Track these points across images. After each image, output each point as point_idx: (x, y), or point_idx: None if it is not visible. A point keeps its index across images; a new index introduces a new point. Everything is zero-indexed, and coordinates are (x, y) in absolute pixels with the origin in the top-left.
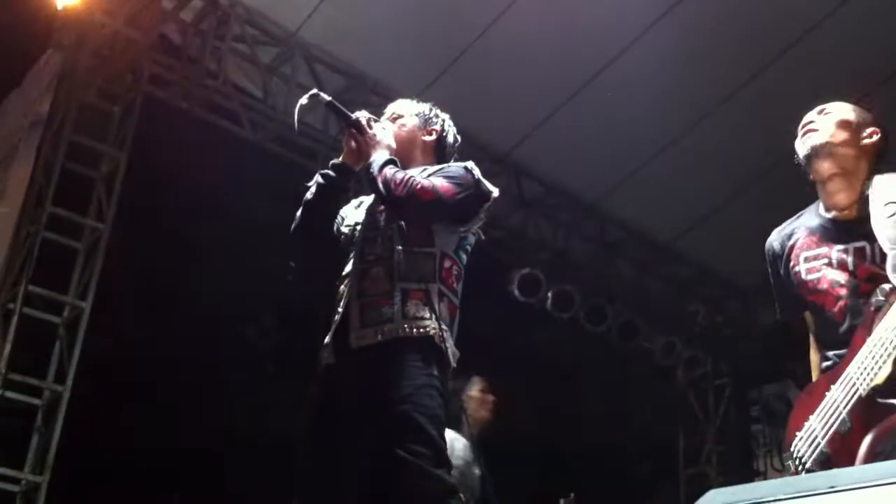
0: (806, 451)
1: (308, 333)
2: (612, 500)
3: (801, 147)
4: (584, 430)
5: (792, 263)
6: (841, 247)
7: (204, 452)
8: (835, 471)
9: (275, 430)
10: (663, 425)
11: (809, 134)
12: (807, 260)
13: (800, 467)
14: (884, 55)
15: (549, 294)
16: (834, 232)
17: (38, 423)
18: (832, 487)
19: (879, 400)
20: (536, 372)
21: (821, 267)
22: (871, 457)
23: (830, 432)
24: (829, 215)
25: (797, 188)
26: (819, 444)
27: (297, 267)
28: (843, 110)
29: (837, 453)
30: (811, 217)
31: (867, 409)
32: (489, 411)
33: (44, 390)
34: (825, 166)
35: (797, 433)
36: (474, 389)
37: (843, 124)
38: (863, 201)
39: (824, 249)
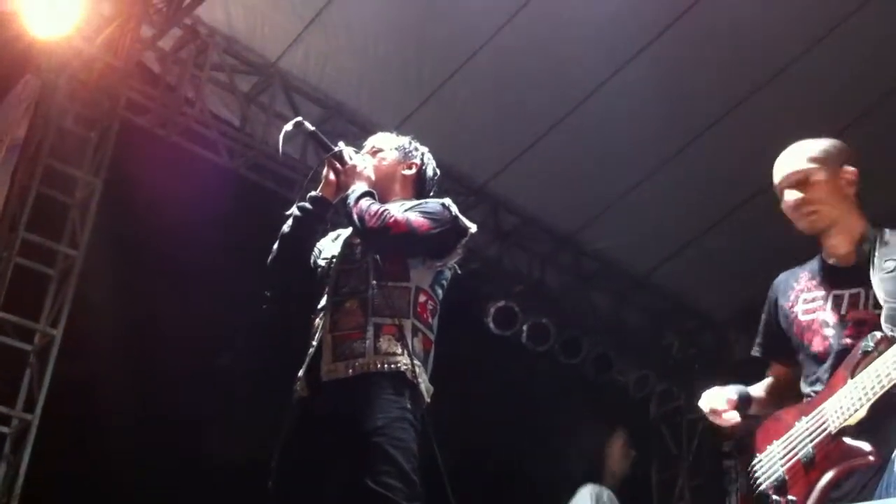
0: (763, 474)
1: (282, 361)
2: None
3: (804, 227)
4: (557, 463)
5: (791, 304)
6: (837, 291)
7: (176, 479)
8: None
9: (247, 456)
10: (638, 459)
11: (811, 218)
12: (805, 301)
13: (753, 488)
14: (859, 90)
15: (525, 327)
16: (832, 276)
17: (6, 452)
18: None
19: (845, 440)
20: (508, 403)
21: (816, 308)
22: (828, 492)
23: (794, 460)
24: (830, 261)
25: (772, 222)
26: (778, 469)
27: (272, 295)
28: (823, 168)
29: (794, 479)
30: (816, 261)
31: (833, 447)
32: (630, 465)
33: (12, 418)
34: (830, 235)
35: (758, 455)
36: (618, 443)
37: (831, 187)
38: (860, 249)
39: (822, 292)
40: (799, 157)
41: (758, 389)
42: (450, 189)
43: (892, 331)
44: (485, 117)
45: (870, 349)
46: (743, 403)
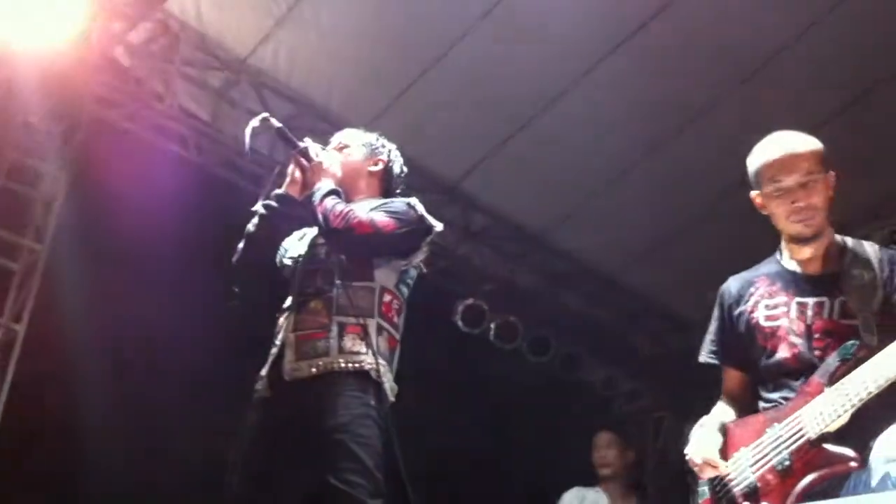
0: (732, 480)
1: (250, 360)
2: None
3: (797, 231)
4: (524, 461)
5: (750, 309)
6: (801, 299)
7: (141, 477)
8: None
9: (214, 456)
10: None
11: (809, 223)
12: (767, 307)
13: (720, 494)
14: (830, 93)
15: (493, 325)
16: (795, 283)
17: None
18: None
19: (826, 446)
20: (475, 401)
21: (780, 315)
22: (805, 496)
23: (766, 467)
24: (791, 266)
25: (743, 225)
26: (748, 475)
27: (239, 293)
28: (824, 171)
29: (767, 486)
30: (772, 265)
31: (813, 453)
32: (627, 465)
33: None
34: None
35: (724, 462)
36: (601, 444)
37: (825, 192)
38: (827, 257)
39: (784, 298)
40: (805, 154)
41: (726, 414)
42: (420, 187)
43: (870, 339)
44: (456, 116)
45: (849, 357)
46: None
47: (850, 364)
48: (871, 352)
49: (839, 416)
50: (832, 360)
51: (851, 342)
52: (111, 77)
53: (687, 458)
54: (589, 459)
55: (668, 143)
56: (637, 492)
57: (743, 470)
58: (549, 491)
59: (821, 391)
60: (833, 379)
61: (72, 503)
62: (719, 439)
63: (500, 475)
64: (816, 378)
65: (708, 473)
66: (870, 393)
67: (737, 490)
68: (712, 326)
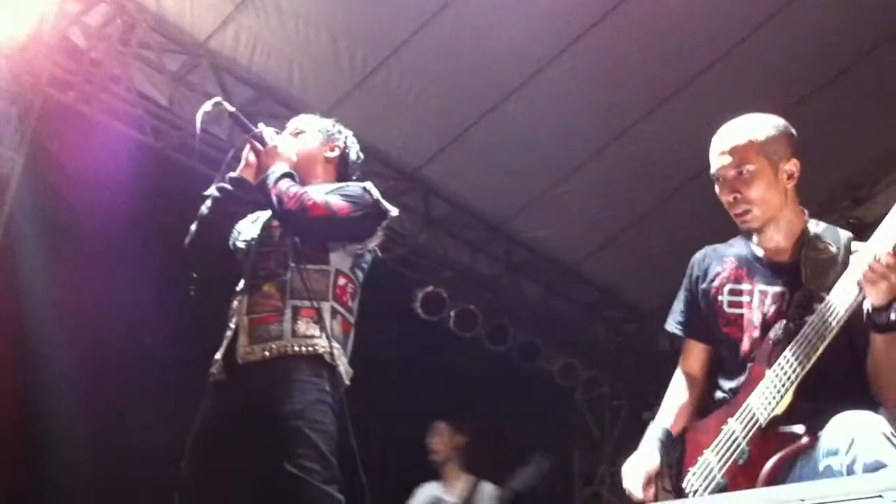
0: (700, 485)
1: (203, 344)
2: None
3: (739, 223)
4: (483, 448)
5: (715, 291)
6: (763, 287)
7: (98, 462)
8: (709, 497)
9: (171, 442)
10: (562, 445)
11: (745, 218)
12: (731, 293)
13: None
14: (792, 82)
15: (452, 313)
16: (761, 270)
17: None
18: None
19: (780, 428)
20: (434, 389)
21: (742, 303)
22: (771, 483)
23: (728, 464)
24: (759, 253)
25: (702, 215)
26: (715, 476)
27: (197, 278)
28: (765, 160)
29: (735, 482)
30: (744, 248)
31: (767, 439)
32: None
33: None
34: (763, 233)
35: (690, 469)
36: (439, 433)
37: (769, 182)
38: (794, 247)
39: (748, 286)
40: (739, 144)
41: (675, 410)
42: (380, 174)
43: (800, 315)
44: (417, 103)
45: (780, 339)
46: (668, 450)
47: (781, 344)
48: (800, 327)
49: (783, 397)
50: (766, 344)
51: (780, 321)
52: (67, 59)
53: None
54: (545, 447)
55: (629, 135)
56: (471, 471)
57: (710, 472)
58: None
59: (763, 377)
60: (771, 361)
61: (15, 484)
62: (653, 461)
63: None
64: (756, 365)
65: (635, 499)
66: (805, 367)
67: (707, 492)
68: (680, 295)
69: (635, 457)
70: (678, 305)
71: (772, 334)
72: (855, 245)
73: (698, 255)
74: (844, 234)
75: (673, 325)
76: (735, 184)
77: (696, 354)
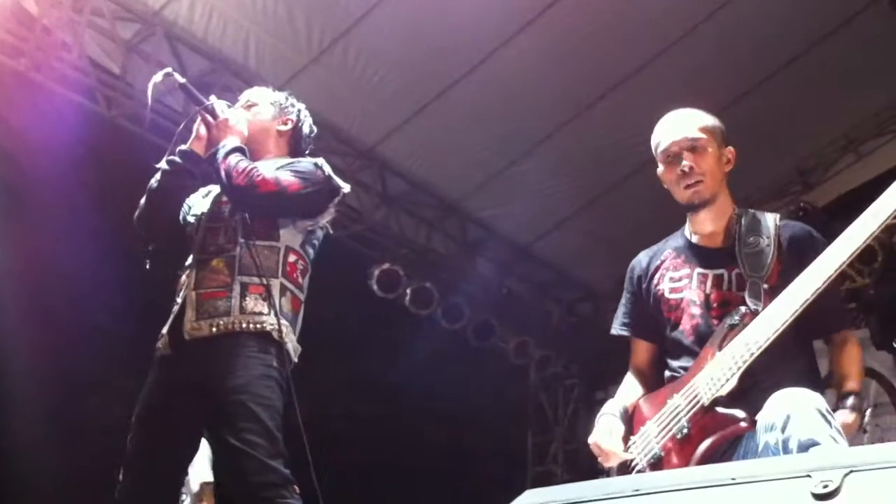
0: (640, 453)
1: (153, 319)
2: (465, 499)
3: (687, 197)
4: (438, 427)
5: (656, 282)
6: (701, 270)
7: (52, 439)
8: (641, 475)
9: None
10: (516, 424)
11: (697, 188)
12: (671, 280)
13: (630, 467)
14: (745, 68)
15: (408, 291)
16: (697, 255)
17: None
18: (636, 491)
19: (719, 409)
20: (390, 366)
21: (682, 287)
22: (705, 461)
23: (668, 436)
24: (695, 239)
25: (653, 199)
26: (653, 447)
27: (153, 252)
28: (714, 140)
29: (670, 455)
30: (678, 239)
31: (707, 418)
32: None
33: None
34: (704, 209)
35: (632, 437)
36: None
37: (716, 160)
38: (728, 231)
39: (687, 270)
40: (692, 123)
41: (629, 396)
42: (337, 150)
43: (755, 304)
44: (375, 79)
45: (736, 323)
46: (624, 425)
47: (737, 329)
48: (756, 316)
49: (728, 380)
50: (721, 328)
51: (737, 308)
52: (18, 26)
53: (591, 445)
54: (499, 425)
55: (584, 116)
56: None
57: (649, 442)
58: (461, 457)
59: (713, 358)
60: (722, 345)
61: None
62: (621, 427)
63: (410, 441)
64: (707, 347)
65: (612, 462)
66: (752, 354)
67: (644, 461)
68: (623, 299)
69: (601, 427)
70: (621, 309)
71: (728, 319)
72: (780, 222)
73: (636, 259)
74: (771, 219)
75: (618, 328)
76: (690, 155)
77: (642, 353)
